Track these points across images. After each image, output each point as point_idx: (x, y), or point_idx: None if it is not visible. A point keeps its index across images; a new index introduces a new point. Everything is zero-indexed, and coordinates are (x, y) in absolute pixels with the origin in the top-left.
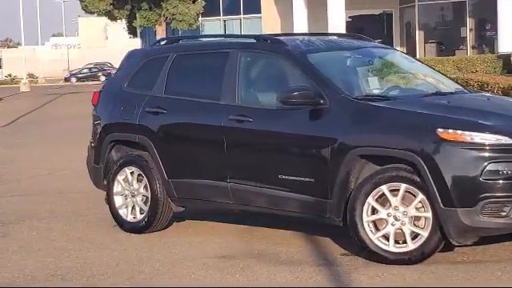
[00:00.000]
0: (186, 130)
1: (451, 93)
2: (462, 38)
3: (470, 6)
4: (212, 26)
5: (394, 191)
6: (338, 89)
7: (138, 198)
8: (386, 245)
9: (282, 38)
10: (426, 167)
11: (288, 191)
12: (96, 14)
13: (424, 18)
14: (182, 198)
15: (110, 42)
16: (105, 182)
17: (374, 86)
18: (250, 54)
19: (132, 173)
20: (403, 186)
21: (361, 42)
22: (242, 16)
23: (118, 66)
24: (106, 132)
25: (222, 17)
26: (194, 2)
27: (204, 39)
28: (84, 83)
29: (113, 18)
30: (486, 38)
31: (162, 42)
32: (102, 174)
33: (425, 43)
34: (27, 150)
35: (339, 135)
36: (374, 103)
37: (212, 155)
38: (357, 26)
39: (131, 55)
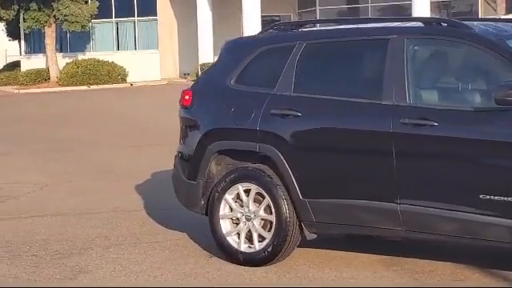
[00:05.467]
0: (332, 138)
1: None
2: None
3: (373, 11)
4: (103, 29)
5: None
6: None
7: (256, 222)
8: None
9: (456, 21)
10: None
11: (492, 215)
12: None
13: None
14: (321, 223)
15: None
16: (202, 203)
17: None
18: (419, 40)
19: (247, 191)
20: None
21: None
22: (136, 18)
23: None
24: (209, 140)
25: (114, 19)
26: (86, 3)
27: (340, 25)
28: None
29: None
30: None
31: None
32: (201, 192)
33: None
34: None
35: None
36: None
37: (373, 169)
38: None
39: (235, 45)
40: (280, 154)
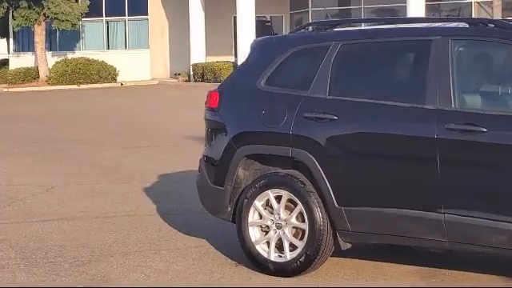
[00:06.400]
0: (371, 143)
1: None
2: None
3: (367, 13)
4: (93, 28)
5: None
6: None
7: (287, 231)
8: None
9: (505, 21)
10: None
11: None
12: None
13: None
14: (358, 232)
15: None
16: (229, 209)
17: None
18: (465, 42)
19: (278, 197)
20: None
21: None
22: (126, 17)
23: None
24: (238, 143)
25: (104, 18)
26: (77, 1)
27: (375, 26)
28: None
29: None
30: None
31: (311, 28)
32: (228, 198)
33: None
34: None
35: None
36: None
37: (416, 177)
38: None
39: (266, 45)
40: (315, 160)
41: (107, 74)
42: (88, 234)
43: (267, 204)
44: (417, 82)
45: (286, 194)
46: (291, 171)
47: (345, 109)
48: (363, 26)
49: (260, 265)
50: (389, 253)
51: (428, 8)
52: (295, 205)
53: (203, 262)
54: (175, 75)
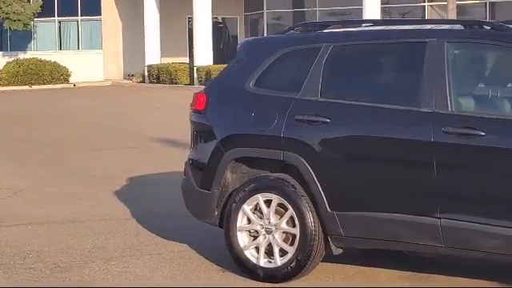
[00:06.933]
0: (365, 146)
1: None
2: None
3: (322, 16)
4: (46, 28)
5: None
6: None
7: (277, 236)
8: None
9: (501, 24)
10: None
11: None
12: None
13: (273, 26)
14: (350, 237)
15: None
16: (216, 214)
17: None
18: (461, 44)
19: (268, 201)
20: None
21: None
22: (79, 18)
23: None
24: (226, 146)
25: (57, 18)
26: (29, 1)
27: (368, 27)
28: None
29: None
30: None
31: (299, 29)
32: (215, 202)
33: None
34: None
35: None
36: None
37: (411, 181)
38: None
39: (254, 45)
40: (306, 163)
41: (60, 74)
42: (65, 238)
43: (256, 208)
44: (411, 84)
45: (276, 198)
46: (281, 175)
47: (338, 111)
48: (355, 28)
49: (249, 271)
50: (378, 258)
51: (382, 11)
52: (285, 209)
53: (188, 267)
54: (129, 76)
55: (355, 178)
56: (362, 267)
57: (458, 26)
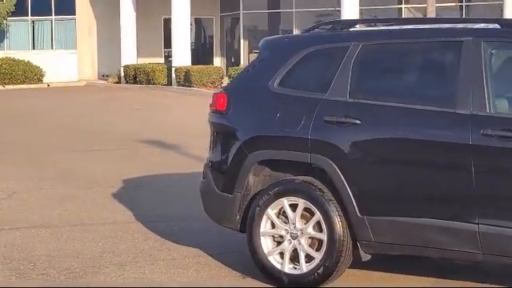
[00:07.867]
0: (398, 149)
1: None
2: None
3: (298, 17)
4: (19, 27)
5: None
6: None
7: (303, 241)
8: None
9: None
10: None
11: None
12: None
13: (249, 27)
14: (381, 243)
15: None
16: (238, 218)
17: None
18: (499, 44)
19: (294, 206)
20: None
21: None
22: (53, 17)
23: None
24: (250, 148)
25: (30, 17)
26: (2, 0)
27: (398, 25)
28: None
29: None
30: None
31: (327, 27)
32: (237, 206)
33: (249, 53)
34: None
35: None
36: None
37: (448, 185)
38: None
39: (278, 44)
40: (335, 166)
41: (33, 74)
42: (72, 242)
43: (280, 212)
44: (447, 85)
45: (302, 203)
46: (308, 178)
47: (368, 113)
48: (384, 27)
49: (273, 277)
50: (396, 263)
51: (360, 13)
52: (312, 214)
53: (207, 273)
54: (103, 76)
55: (387, 181)
56: (380, 272)
57: (495, 25)
